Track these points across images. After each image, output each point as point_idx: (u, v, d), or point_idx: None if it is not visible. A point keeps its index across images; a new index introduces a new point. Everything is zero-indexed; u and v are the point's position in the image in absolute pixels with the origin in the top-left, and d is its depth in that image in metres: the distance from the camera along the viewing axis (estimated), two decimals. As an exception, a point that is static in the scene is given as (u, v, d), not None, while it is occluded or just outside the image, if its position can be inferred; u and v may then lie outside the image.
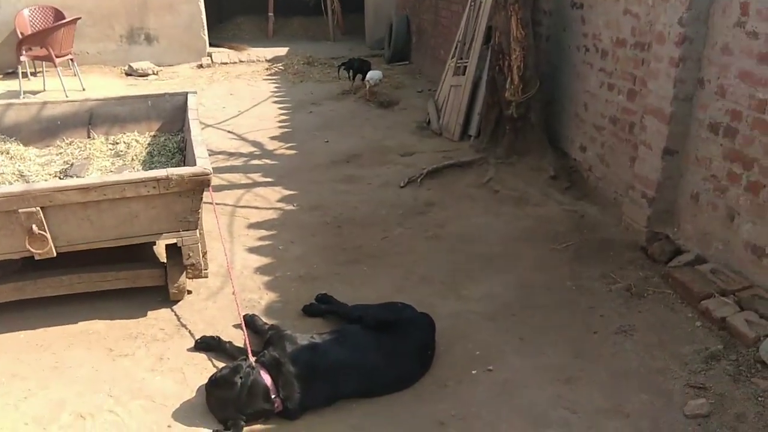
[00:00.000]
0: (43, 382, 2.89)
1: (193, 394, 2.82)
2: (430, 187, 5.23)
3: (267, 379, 2.70)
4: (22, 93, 8.10)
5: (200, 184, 3.19)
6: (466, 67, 6.40)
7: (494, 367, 3.02)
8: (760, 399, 2.68)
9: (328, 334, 3.07)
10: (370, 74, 8.11)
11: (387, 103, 7.92)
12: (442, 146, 6.21)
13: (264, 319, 3.33)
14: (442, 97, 6.85)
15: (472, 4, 6.57)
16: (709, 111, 3.62)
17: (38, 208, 2.95)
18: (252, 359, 2.82)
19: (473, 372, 2.99)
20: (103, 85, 9.07)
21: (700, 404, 2.64)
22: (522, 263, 3.97)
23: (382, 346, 2.93)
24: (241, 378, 2.66)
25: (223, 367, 2.80)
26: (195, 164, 3.26)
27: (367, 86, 8.05)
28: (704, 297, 3.27)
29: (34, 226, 2.97)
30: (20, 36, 8.72)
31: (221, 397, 2.66)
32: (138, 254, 3.75)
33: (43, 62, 8.58)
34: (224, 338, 3.17)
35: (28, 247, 3.01)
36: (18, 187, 3.07)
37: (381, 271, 3.94)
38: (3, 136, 4.44)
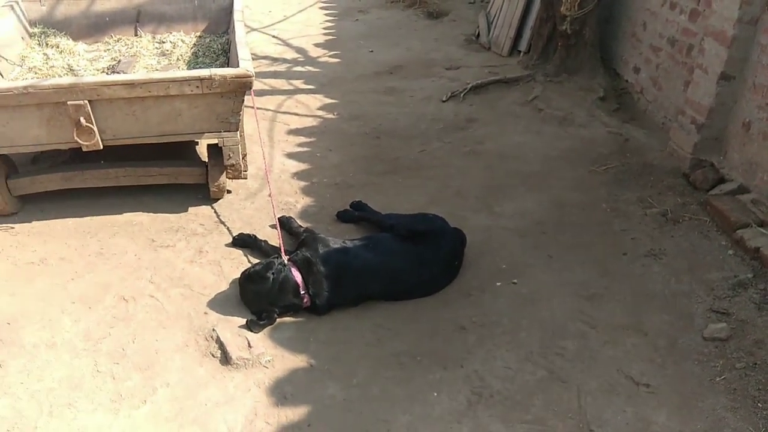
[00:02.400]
0: (89, 266, 3.09)
1: (229, 286, 2.99)
2: (473, 102, 5.14)
3: (297, 276, 2.82)
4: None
5: (242, 86, 3.22)
6: (521, -22, 6.09)
7: (519, 280, 3.08)
8: (783, 328, 2.68)
9: (359, 239, 3.16)
10: None
11: (436, 13, 7.66)
12: (490, 61, 6.04)
13: (299, 222, 3.44)
14: (495, 10, 6.58)
15: None
16: (773, 34, 3.40)
17: (86, 101, 3.04)
18: (285, 258, 2.94)
19: (498, 284, 3.06)
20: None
21: (720, 328, 2.66)
22: (559, 183, 3.94)
23: (411, 254, 3.01)
24: (273, 274, 2.79)
25: (257, 263, 2.93)
26: (238, 66, 3.27)
27: None
28: (741, 226, 3.21)
29: (81, 119, 3.08)
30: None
31: (254, 291, 2.81)
32: (181, 153, 3.86)
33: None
34: (260, 237, 3.30)
35: (75, 138, 3.13)
36: (67, 79, 3.17)
37: (416, 183, 3.97)
38: (54, 30, 4.52)
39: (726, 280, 2.97)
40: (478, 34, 6.63)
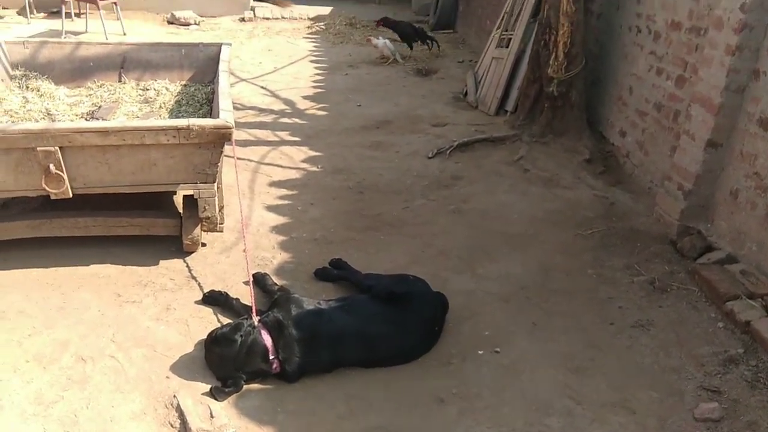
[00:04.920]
0: (49, 321, 2.92)
1: (195, 348, 2.81)
2: (459, 160, 5.10)
3: (267, 339, 2.67)
4: (64, 33, 8.15)
5: (221, 137, 3.13)
6: (510, 39, 6.18)
7: (502, 349, 2.94)
8: (777, 409, 2.56)
9: (336, 300, 3.03)
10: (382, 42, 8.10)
11: (425, 71, 7.74)
12: (477, 119, 6.05)
13: (275, 279, 3.30)
14: (483, 69, 6.64)
15: (523, -26, 6.31)
16: (761, 105, 3.39)
17: (57, 148, 2.93)
18: (255, 318, 2.79)
19: (479, 352, 2.91)
20: (144, 31, 9.08)
21: (712, 408, 2.53)
22: (544, 246, 3.85)
23: (389, 318, 2.87)
24: (241, 336, 2.64)
25: (224, 324, 2.78)
26: (219, 116, 3.20)
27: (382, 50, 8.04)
28: (730, 298, 3.12)
29: (51, 166, 2.96)
30: (66, -24, 8.73)
31: (220, 354, 2.64)
32: (155, 203, 3.73)
33: (87, 4, 8.60)
34: (232, 294, 3.15)
35: (44, 185, 3.01)
36: (38, 125, 3.07)
37: (398, 240, 3.86)
38: (36, 73, 4.44)
39: (716, 356, 2.85)
40: (466, 93, 6.67)
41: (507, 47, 6.17)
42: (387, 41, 8.16)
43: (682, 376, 2.78)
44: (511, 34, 6.17)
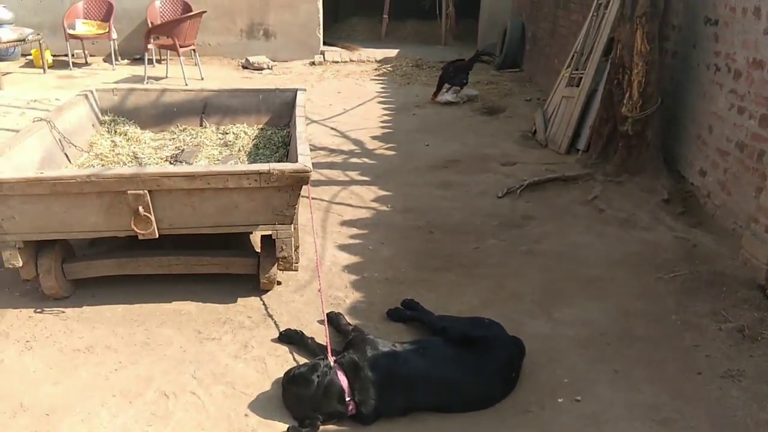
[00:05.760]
0: (133, 356, 3.02)
1: (272, 386, 2.85)
2: (530, 199, 5.04)
3: (344, 380, 2.67)
4: (146, 78, 8.64)
5: (300, 180, 3.22)
6: (581, 78, 6.14)
7: (582, 397, 2.83)
8: None
9: (410, 343, 3.00)
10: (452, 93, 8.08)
11: (492, 110, 7.75)
12: (547, 158, 5.98)
13: (348, 319, 3.32)
14: (552, 108, 6.60)
15: (594, 14, 6.31)
16: None
17: (146, 191, 3.08)
18: (331, 359, 2.80)
19: (559, 400, 2.82)
20: (220, 75, 9.51)
21: (818, 471, 2.34)
22: (623, 289, 3.72)
23: (465, 362, 2.83)
24: (318, 377, 2.65)
25: (301, 364, 2.80)
26: (297, 160, 3.29)
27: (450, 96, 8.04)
28: (832, 350, 2.91)
29: (140, 208, 3.11)
30: (150, 25, 9.32)
31: (297, 394, 2.66)
32: (232, 241, 3.85)
33: (168, 51, 9.11)
34: (307, 333, 3.18)
35: (133, 227, 3.15)
36: (129, 170, 3.24)
37: (470, 281, 3.82)
38: (123, 119, 4.72)
39: (818, 412, 2.66)
40: (535, 131, 6.63)
41: (577, 86, 6.13)
42: (451, 92, 8.20)
43: (781, 432, 2.60)
44: (582, 73, 6.12)
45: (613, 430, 2.65)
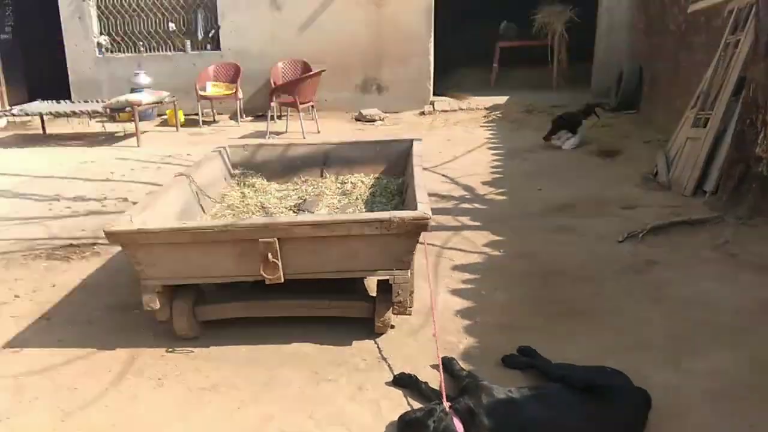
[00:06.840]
0: (255, 395, 3.17)
1: (386, 429, 2.87)
2: (653, 244, 4.80)
3: (459, 427, 2.64)
4: (267, 133, 9.29)
5: (419, 227, 3.33)
6: (707, 118, 5.85)
7: (717, 456, 2.62)
8: None
9: (528, 389, 2.93)
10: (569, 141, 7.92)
11: (608, 152, 7.52)
12: (670, 201, 5.70)
13: (461, 364, 3.30)
14: (675, 149, 6.31)
15: (722, 53, 6.04)
16: None
17: (276, 239, 3.29)
18: (446, 404, 2.79)
19: (690, 458, 2.63)
20: (335, 128, 9.99)
21: None
22: (759, 339, 3.42)
23: (586, 412, 2.71)
24: (433, 422, 2.64)
25: (417, 409, 2.81)
26: (416, 208, 3.39)
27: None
28: None
29: (269, 254, 3.32)
30: (273, 85, 10.03)
31: (412, 438, 2.67)
32: (346, 285, 3.97)
33: (288, 107, 9.74)
34: (421, 377, 3.19)
35: (261, 272, 3.37)
36: (262, 220, 3.51)
37: (589, 329, 3.68)
38: (252, 171, 5.10)
39: None
40: (656, 173, 6.35)
41: (704, 127, 5.84)
42: (568, 140, 8.07)
43: None
44: (709, 114, 5.84)
45: (756, 494, 2.42)
